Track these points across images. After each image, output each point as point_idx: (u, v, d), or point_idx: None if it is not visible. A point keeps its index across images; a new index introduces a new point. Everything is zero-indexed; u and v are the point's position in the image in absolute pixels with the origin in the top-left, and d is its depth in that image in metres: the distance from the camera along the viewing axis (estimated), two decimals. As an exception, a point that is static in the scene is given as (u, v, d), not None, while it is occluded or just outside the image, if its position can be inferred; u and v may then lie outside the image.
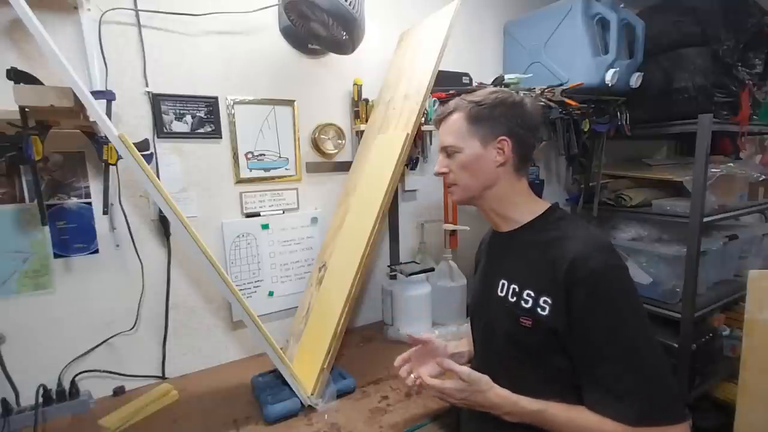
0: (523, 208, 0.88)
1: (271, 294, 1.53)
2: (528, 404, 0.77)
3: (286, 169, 1.53)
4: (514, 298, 0.82)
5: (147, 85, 1.26)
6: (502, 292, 0.85)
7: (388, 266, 1.73)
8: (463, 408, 0.98)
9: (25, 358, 1.16)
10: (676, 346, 1.68)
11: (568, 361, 0.77)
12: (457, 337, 1.54)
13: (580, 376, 0.76)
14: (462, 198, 0.90)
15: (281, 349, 1.15)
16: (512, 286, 0.83)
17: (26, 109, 0.98)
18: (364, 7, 1.24)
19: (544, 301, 0.76)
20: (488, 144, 0.84)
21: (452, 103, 0.88)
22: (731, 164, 1.77)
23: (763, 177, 1.89)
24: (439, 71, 1.29)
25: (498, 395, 0.79)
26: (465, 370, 0.81)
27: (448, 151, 0.88)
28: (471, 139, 0.84)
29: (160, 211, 1.26)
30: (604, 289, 0.72)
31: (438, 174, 0.91)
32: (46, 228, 1.17)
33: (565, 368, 0.77)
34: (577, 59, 1.62)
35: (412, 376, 0.94)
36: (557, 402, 0.76)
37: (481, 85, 1.61)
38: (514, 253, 0.86)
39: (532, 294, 0.79)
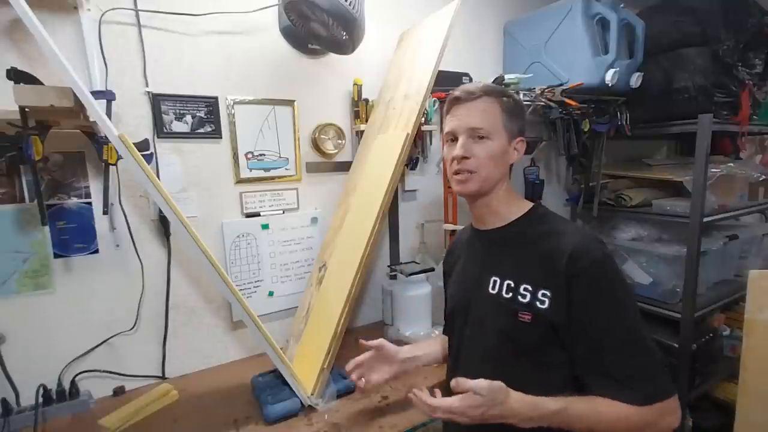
0: (513, 205, 0.89)
1: (271, 294, 1.53)
2: (549, 404, 0.73)
3: (286, 169, 1.53)
4: (510, 294, 0.82)
5: (147, 85, 1.26)
6: (494, 289, 0.85)
7: (388, 266, 1.73)
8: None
9: (25, 358, 1.16)
10: (676, 346, 1.68)
11: (566, 354, 0.78)
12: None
13: (582, 367, 0.77)
14: (477, 189, 0.84)
15: (281, 349, 1.15)
16: (506, 282, 0.83)
17: (26, 109, 0.98)
18: (364, 7, 1.24)
19: (543, 294, 0.77)
20: (511, 141, 0.85)
21: (482, 87, 0.84)
22: (731, 164, 1.77)
23: (763, 177, 1.89)
24: (439, 71, 1.29)
25: (518, 401, 0.73)
26: (483, 383, 0.72)
27: (479, 134, 0.82)
28: (502, 131, 0.84)
29: (160, 211, 1.26)
30: (604, 279, 0.75)
31: (459, 157, 0.83)
32: (46, 228, 1.17)
33: (563, 362, 0.78)
34: (577, 59, 1.62)
35: (363, 380, 0.97)
36: (569, 396, 0.75)
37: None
38: (505, 249, 0.86)
39: (530, 288, 0.79)
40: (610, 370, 0.74)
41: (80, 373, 1.22)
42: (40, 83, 1.03)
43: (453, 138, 0.86)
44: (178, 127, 1.32)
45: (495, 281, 0.85)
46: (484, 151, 0.82)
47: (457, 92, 0.85)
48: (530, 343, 0.79)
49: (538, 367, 0.79)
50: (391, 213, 1.73)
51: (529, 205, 0.89)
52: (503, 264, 0.86)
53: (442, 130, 1.83)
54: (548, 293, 0.77)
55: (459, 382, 0.73)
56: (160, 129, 1.29)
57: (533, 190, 1.97)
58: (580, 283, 0.74)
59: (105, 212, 1.16)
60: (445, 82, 1.53)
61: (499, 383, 0.72)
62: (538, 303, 0.77)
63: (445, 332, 1.10)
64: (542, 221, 0.85)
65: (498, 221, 0.89)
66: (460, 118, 0.84)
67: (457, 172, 0.85)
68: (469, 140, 0.83)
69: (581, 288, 0.74)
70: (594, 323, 0.74)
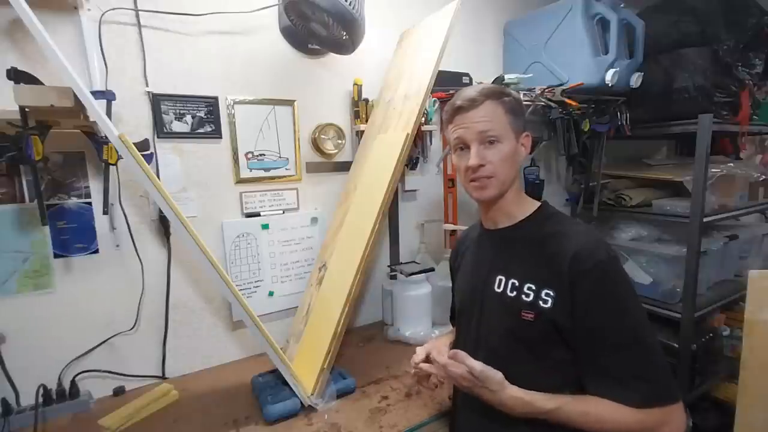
0: (522, 205, 0.89)
1: (271, 294, 1.53)
2: (543, 404, 0.75)
3: (286, 169, 1.53)
4: (514, 293, 0.82)
5: (147, 85, 1.26)
6: (499, 287, 0.86)
7: (388, 266, 1.73)
8: (459, 410, 0.97)
9: (25, 358, 1.16)
10: (676, 346, 1.68)
11: (569, 353, 0.78)
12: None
13: (583, 366, 0.77)
14: (497, 193, 0.84)
15: (281, 349, 1.15)
16: (511, 281, 0.84)
17: (26, 109, 0.98)
18: (364, 6, 1.24)
19: (546, 294, 0.78)
20: (518, 139, 0.86)
21: (482, 91, 0.83)
22: (731, 164, 1.77)
23: (763, 177, 1.89)
24: (439, 71, 1.29)
25: (511, 397, 0.76)
26: (478, 366, 0.77)
27: (490, 140, 0.82)
28: (509, 132, 0.83)
29: (160, 211, 1.26)
30: (609, 279, 0.75)
31: (475, 166, 0.82)
32: (46, 228, 1.17)
33: (566, 361, 0.79)
34: (577, 59, 1.62)
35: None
36: (567, 395, 0.76)
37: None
38: (512, 249, 0.87)
39: (533, 287, 0.80)
40: (609, 369, 0.74)
41: (80, 373, 1.22)
42: (40, 83, 1.03)
43: (463, 146, 0.85)
44: (178, 127, 1.31)
45: (501, 280, 0.86)
46: (498, 155, 0.82)
47: (458, 101, 0.84)
48: (533, 341, 0.80)
49: (541, 365, 0.80)
50: (391, 213, 1.72)
51: (536, 204, 0.89)
52: (509, 263, 0.86)
53: (442, 130, 1.83)
54: (552, 293, 0.77)
55: (458, 356, 0.78)
56: (160, 129, 1.29)
57: (533, 190, 1.98)
58: (583, 284, 0.75)
59: (105, 212, 1.16)
60: (445, 82, 1.53)
61: (498, 375, 0.77)
62: (541, 302, 0.78)
63: (452, 323, 1.14)
64: (550, 221, 0.86)
65: (507, 221, 0.89)
66: (468, 126, 0.83)
67: (473, 180, 0.84)
68: (482, 147, 0.82)
69: (584, 289, 0.75)
70: (596, 323, 0.75)
